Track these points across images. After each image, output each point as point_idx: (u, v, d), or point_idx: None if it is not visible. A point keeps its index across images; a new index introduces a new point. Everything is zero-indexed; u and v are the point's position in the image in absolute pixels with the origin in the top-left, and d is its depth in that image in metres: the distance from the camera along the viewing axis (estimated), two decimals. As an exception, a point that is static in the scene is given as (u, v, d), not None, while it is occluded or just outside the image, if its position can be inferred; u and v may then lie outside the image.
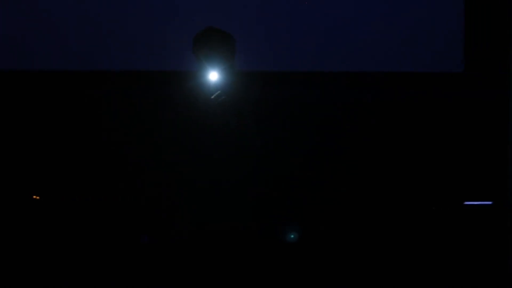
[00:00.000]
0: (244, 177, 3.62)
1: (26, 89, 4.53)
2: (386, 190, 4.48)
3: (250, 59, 4.46)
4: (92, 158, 4.49)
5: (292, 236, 4.09)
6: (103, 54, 4.54)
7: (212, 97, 3.55)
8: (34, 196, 4.48)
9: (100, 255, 4.43)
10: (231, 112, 3.60)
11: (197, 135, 3.59)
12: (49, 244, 4.45)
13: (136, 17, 4.57)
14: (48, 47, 4.56)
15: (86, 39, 4.57)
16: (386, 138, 4.42)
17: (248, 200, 3.60)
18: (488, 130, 4.52)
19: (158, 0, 4.61)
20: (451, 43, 4.63)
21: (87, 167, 4.49)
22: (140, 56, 4.55)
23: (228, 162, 3.59)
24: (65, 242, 4.44)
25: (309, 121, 4.38)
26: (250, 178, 3.63)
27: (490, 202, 4.34)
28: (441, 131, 4.55)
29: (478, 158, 4.53)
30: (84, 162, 4.49)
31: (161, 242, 4.03)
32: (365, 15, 4.64)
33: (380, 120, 4.44)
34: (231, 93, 3.62)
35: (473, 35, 4.63)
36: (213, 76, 3.58)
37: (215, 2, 4.61)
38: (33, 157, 4.52)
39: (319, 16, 4.65)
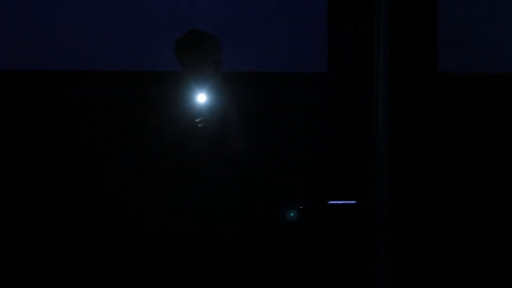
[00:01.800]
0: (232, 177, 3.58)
1: (25, 89, 4.54)
2: (258, 189, 4.47)
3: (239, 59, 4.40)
4: (78, 159, 4.51)
5: (291, 214, 3.98)
6: (90, 54, 4.51)
7: (197, 121, 3.41)
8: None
9: (96, 256, 4.51)
10: (219, 115, 3.47)
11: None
12: (48, 244, 4.54)
13: (122, 17, 4.52)
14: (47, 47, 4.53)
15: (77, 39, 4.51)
16: (252, 136, 4.22)
17: (235, 203, 3.58)
18: (352, 129, 4.55)
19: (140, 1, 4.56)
20: (316, 43, 4.59)
21: (76, 167, 4.52)
22: (123, 56, 4.51)
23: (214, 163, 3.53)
24: (64, 240, 4.53)
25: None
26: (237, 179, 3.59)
27: (353, 202, 4.33)
28: (306, 130, 4.56)
29: (342, 157, 4.55)
30: (71, 163, 4.52)
31: (154, 244, 3.94)
32: (230, 13, 4.54)
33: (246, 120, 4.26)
34: (218, 96, 3.49)
35: (337, 36, 4.61)
36: (201, 98, 3.42)
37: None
38: (30, 156, 4.54)
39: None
